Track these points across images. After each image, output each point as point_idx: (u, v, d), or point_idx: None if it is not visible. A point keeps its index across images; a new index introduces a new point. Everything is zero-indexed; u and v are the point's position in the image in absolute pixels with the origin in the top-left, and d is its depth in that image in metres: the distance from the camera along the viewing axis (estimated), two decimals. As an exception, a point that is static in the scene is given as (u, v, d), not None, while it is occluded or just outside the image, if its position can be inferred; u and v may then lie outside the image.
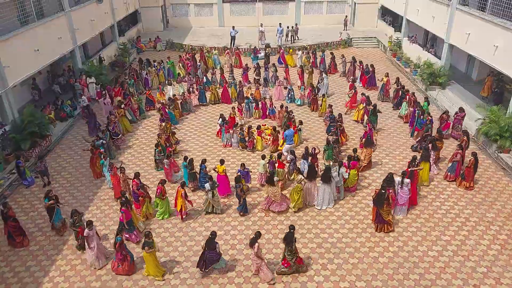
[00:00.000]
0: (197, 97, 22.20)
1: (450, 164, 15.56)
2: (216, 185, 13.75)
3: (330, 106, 19.63)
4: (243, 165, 14.59)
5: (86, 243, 11.56)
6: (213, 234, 11.16)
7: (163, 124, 18.30)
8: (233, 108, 19.61)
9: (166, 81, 23.84)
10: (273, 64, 25.36)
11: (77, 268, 11.79)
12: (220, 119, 18.55)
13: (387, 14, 34.84)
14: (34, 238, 12.99)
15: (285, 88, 23.00)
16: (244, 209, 13.80)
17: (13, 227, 12.34)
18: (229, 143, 18.14)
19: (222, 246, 12.46)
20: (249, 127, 18.11)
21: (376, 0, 35.06)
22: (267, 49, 27.77)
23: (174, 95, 21.65)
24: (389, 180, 13.38)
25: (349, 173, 14.45)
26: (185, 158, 15.24)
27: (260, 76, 24.24)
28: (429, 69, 23.68)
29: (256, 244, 10.77)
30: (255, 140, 17.78)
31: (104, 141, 16.72)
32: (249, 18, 36.41)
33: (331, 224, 13.40)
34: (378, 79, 24.16)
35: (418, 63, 26.03)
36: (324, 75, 23.55)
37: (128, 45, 31.31)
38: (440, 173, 15.95)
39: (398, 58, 28.99)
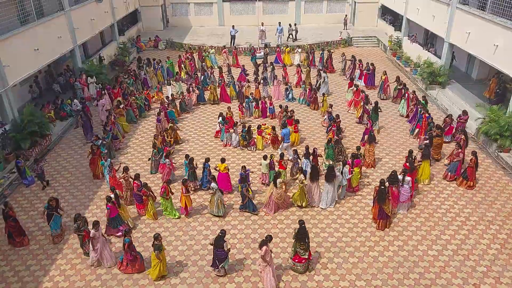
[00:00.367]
0: (197, 96, 22.20)
1: (450, 164, 15.56)
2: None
3: (331, 106, 19.63)
4: (244, 167, 14.24)
5: (91, 245, 11.41)
6: (223, 232, 11.08)
7: (163, 123, 18.28)
8: (229, 108, 19.57)
9: (165, 81, 23.80)
10: (271, 63, 25.41)
11: (77, 267, 11.80)
12: (220, 118, 18.56)
13: (387, 14, 34.81)
14: (34, 237, 12.99)
15: (285, 84, 22.98)
16: (253, 209, 13.81)
17: (13, 227, 12.34)
18: (229, 143, 18.14)
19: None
20: (249, 127, 18.11)
21: (376, -1, 35.08)
22: (265, 49, 27.77)
23: (172, 94, 21.65)
24: (393, 178, 13.47)
25: (353, 172, 14.48)
26: (187, 156, 15.26)
27: (258, 75, 24.27)
28: (429, 68, 23.68)
29: (264, 247, 10.50)
30: (255, 139, 17.78)
31: (105, 141, 16.71)
32: (249, 17, 36.40)
33: (331, 223, 13.41)
34: (377, 78, 24.19)
35: (418, 62, 26.02)
36: (324, 74, 23.55)
37: (128, 44, 31.31)
38: (440, 172, 15.94)
39: (398, 57, 28.98)
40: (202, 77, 24.18)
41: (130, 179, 14.18)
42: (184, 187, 13.39)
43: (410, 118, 19.65)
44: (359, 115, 20.01)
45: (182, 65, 26.15)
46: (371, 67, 24.34)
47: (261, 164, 15.38)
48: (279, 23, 30.89)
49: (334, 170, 13.86)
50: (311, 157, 15.24)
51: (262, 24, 30.59)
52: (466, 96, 21.70)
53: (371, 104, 19.57)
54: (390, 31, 32.69)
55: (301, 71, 24.62)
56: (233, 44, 30.97)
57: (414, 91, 20.96)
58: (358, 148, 15.57)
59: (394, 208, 13.77)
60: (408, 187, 13.48)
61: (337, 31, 33.54)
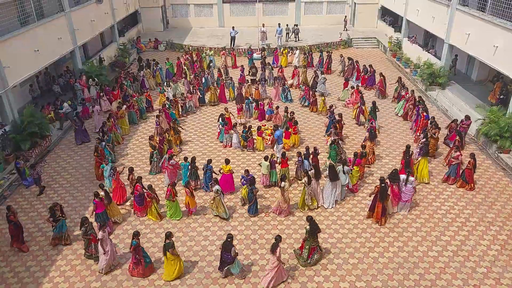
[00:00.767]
0: (198, 97, 22.22)
1: (449, 167, 15.48)
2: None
3: (331, 106, 19.66)
4: (247, 171, 14.12)
5: (101, 247, 11.27)
6: (230, 237, 11.02)
7: (162, 125, 18.22)
8: (226, 109, 19.57)
9: (165, 83, 23.79)
10: (269, 63, 25.45)
11: (77, 269, 11.79)
12: (220, 118, 18.56)
13: (387, 15, 34.85)
14: (34, 238, 12.98)
15: (282, 85, 23.07)
16: (255, 210, 13.79)
17: (12, 232, 12.25)
18: (229, 144, 18.13)
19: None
20: (249, 127, 18.12)
21: (376, 0, 35.09)
22: (263, 52, 27.88)
23: (174, 95, 21.65)
24: (393, 176, 13.55)
25: (351, 169, 14.54)
26: (185, 158, 15.23)
27: (255, 77, 24.31)
28: (429, 70, 23.70)
29: (278, 248, 10.65)
30: (255, 140, 17.79)
31: (108, 144, 16.73)
32: (249, 18, 36.42)
33: (331, 225, 13.40)
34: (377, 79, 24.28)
35: (418, 64, 26.04)
36: (321, 75, 23.64)
37: (128, 45, 31.33)
38: (440, 174, 15.93)
39: (398, 59, 29.02)
40: (203, 78, 24.19)
41: (135, 180, 14.13)
42: (188, 189, 13.45)
43: (413, 119, 19.57)
44: (355, 115, 20.14)
45: (184, 67, 26.14)
46: (369, 69, 24.39)
47: (259, 165, 15.37)
48: (279, 24, 30.93)
49: (335, 168, 13.92)
50: (311, 158, 15.25)
51: (263, 25, 30.65)
52: (466, 97, 21.70)
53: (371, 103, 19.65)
54: (390, 32, 32.72)
55: (299, 72, 24.71)
56: (233, 45, 31.01)
57: (412, 91, 20.97)
58: (363, 147, 15.78)
59: (394, 207, 13.83)
60: (411, 187, 13.54)
61: (337, 32, 33.60)
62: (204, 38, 34.02)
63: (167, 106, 20.09)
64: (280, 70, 24.75)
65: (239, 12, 37.09)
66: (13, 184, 15.71)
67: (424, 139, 16.25)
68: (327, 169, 14.21)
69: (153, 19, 36.06)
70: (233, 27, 31.10)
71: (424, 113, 18.29)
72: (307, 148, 15.63)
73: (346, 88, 22.54)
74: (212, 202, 13.60)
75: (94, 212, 12.78)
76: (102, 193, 13.19)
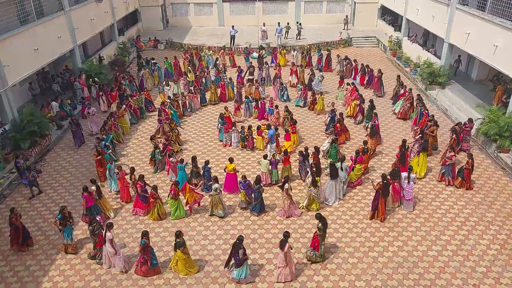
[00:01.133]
0: (199, 97, 22.22)
1: (443, 168, 15.49)
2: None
3: (333, 104, 19.68)
4: (244, 177, 13.86)
5: (110, 248, 11.19)
6: (240, 238, 11.01)
7: (164, 126, 18.17)
8: (225, 108, 19.58)
9: (164, 82, 23.74)
10: (266, 63, 25.54)
11: (77, 268, 11.78)
12: (220, 118, 18.55)
13: (387, 14, 34.84)
14: (34, 237, 12.94)
15: (280, 84, 23.13)
16: (260, 209, 13.77)
17: (12, 235, 12.17)
18: (229, 143, 18.13)
19: (222, 246, 12.49)
20: (249, 127, 18.11)
21: (376, -1, 35.11)
22: (260, 51, 27.88)
23: (175, 94, 21.64)
24: (394, 173, 13.70)
25: (354, 167, 14.66)
26: (181, 160, 15.18)
27: (253, 76, 24.35)
28: (429, 69, 23.69)
29: (287, 244, 10.72)
30: (254, 140, 17.78)
31: (106, 145, 16.69)
32: (249, 17, 36.40)
33: (331, 224, 13.39)
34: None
35: (418, 63, 26.02)
36: (319, 72, 23.68)
37: (128, 44, 31.31)
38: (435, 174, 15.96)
39: (398, 58, 29.00)
40: (203, 78, 24.15)
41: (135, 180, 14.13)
42: (189, 186, 13.50)
43: (413, 118, 19.61)
44: (354, 114, 20.23)
45: (183, 66, 26.10)
46: (367, 69, 24.42)
47: (259, 163, 15.34)
48: (279, 23, 30.90)
49: (335, 166, 14.01)
50: (311, 157, 15.26)
51: (264, 25, 30.64)
52: (466, 96, 21.70)
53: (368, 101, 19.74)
54: (390, 31, 32.70)
55: (298, 70, 24.80)
56: (233, 44, 30.99)
57: (410, 89, 20.98)
58: (365, 143, 15.91)
59: (395, 203, 13.93)
60: (413, 184, 13.70)
61: (337, 32, 33.57)
62: (204, 37, 33.99)
63: (168, 105, 20.06)
64: (278, 69, 24.75)
65: (239, 11, 37.05)
66: (13, 183, 15.70)
67: (420, 135, 16.35)
68: (328, 167, 14.26)
69: (153, 18, 36.02)
70: (233, 26, 31.07)
71: (426, 111, 18.38)
72: (306, 149, 15.62)
73: (341, 87, 22.74)
74: (209, 201, 13.63)
75: (85, 206, 13.00)
76: (93, 188, 13.40)
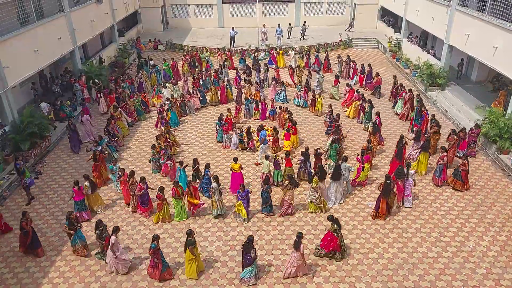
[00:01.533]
0: (199, 99, 22.24)
1: (436, 167, 15.58)
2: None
3: (330, 106, 19.72)
4: (242, 186, 13.56)
5: (111, 251, 11.12)
6: (250, 238, 11.01)
7: (163, 128, 18.18)
8: (228, 109, 19.60)
9: (161, 84, 23.68)
10: (265, 64, 25.54)
11: (76, 269, 11.77)
12: (218, 119, 18.55)
13: (387, 15, 34.88)
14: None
15: (282, 84, 23.14)
16: (270, 209, 13.77)
17: (21, 239, 12.04)
18: (229, 144, 18.13)
19: (222, 247, 12.48)
20: (249, 128, 18.10)
21: (376, 1, 35.12)
22: (255, 53, 27.91)
23: (172, 96, 21.63)
24: (399, 173, 13.81)
25: (363, 168, 14.82)
26: (181, 163, 15.18)
27: (250, 77, 24.39)
28: (429, 70, 23.70)
29: (302, 245, 10.83)
30: (255, 141, 17.78)
31: (107, 142, 16.67)
32: (249, 18, 36.44)
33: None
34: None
35: (418, 64, 26.04)
36: (318, 74, 23.73)
37: (128, 45, 31.33)
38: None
39: (397, 59, 29.02)
40: (201, 80, 24.12)
41: (136, 182, 14.06)
42: (187, 189, 13.44)
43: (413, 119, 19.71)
44: (351, 114, 20.37)
45: (182, 68, 26.09)
46: (367, 68, 24.47)
47: (257, 162, 15.34)
48: (278, 24, 30.94)
49: (340, 168, 14.05)
50: (313, 160, 15.28)
51: (264, 26, 30.67)
52: (465, 97, 21.73)
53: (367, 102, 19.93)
54: (389, 32, 32.74)
55: (294, 71, 24.88)
56: (233, 45, 31.02)
57: (410, 89, 21.03)
58: (369, 141, 16.12)
59: (399, 202, 13.99)
60: (412, 180, 13.85)
61: (337, 33, 33.61)
62: (204, 38, 34.03)
63: (167, 106, 20.05)
64: (276, 70, 24.75)
65: (239, 12, 37.09)
66: (13, 184, 15.68)
67: (414, 137, 16.73)
68: (332, 168, 14.33)
69: (153, 20, 36.06)
70: (233, 28, 31.11)
71: (426, 112, 18.49)
72: (307, 149, 15.63)
73: (336, 85, 22.93)
74: (212, 202, 13.64)
75: (73, 200, 13.39)
76: (86, 183, 13.57)
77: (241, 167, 14.91)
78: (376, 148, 17.21)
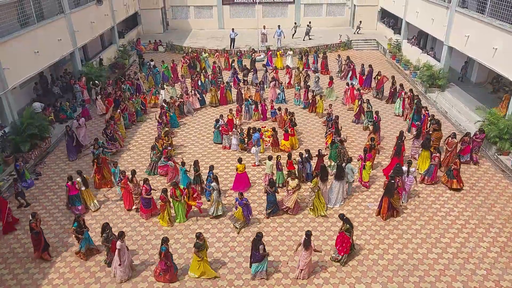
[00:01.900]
0: (198, 99, 22.24)
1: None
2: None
3: (330, 106, 19.76)
4: (241, 194, 13.23)
5: (117, 257, 10.99)
6: (259, 235, 11.05)
7: (166, 129, 18.14)
8: (230, 110, 19.62)
9: (159, 85, 23.64)
10: (263, 65, 25.53)
11: (76, 271, 11.76)
12: (220, 120, 18.55)
13: (387, 17, 34.93)
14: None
15: (280, 84, 23.16)
16: (276, 211, 13.77)
17: (34, 240, 11.90)
18: (227, 145, 18.13)
19: (222, 248, 12.47)
20: (249, 129, 18.12)
21: (376, 2, 35.16)
22: (252, 54, 27.95)
23: (172, 97, 21.63)
24: (397, 170, 13.95)
25: (364, 165, 14.91)
26: (183, 163, 15.19)
27: (247, 77, 24.39)
28: (429, 71, 23.72)
29: (312, 243, 10.93)
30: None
31: (105, 146, 16.66)
32: (249, 20, 36.49)
33: (331, 227, 13.39)
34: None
35: (418, 65, 26.07)
36: (316, 74, 23.79)
37: (128, 47, 31.35)
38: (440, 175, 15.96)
39: (397, 60, 29.04)
40: (199, 81, 24.11)
41: (139, 183, 14.09)
42: (187, 191, 13.43)
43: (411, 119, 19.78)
44: (355, 112, 20.46)
45: (181, 69, 26.08)
46: (367, 69, 24.50)
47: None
48: (279, 26, 30.98)
49: (343, 168, 14.11)
50: (314, 161, 15.29)
51: (264, 27, 30.71)
52: (465, 99, 21.74)
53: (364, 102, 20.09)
54: (389, 34, 32.77)
55: (292, 72, 24.93)
56: (233, 47, 31.05)
57: (411, 89, 21.07)
58: (372, 139, 16.27)
59: (400, 198, 14.05)
60: (412, 177, 14.05)
61: (337, 34, 33.66)
62: (204, 40, 34.07)
63: (165, 107, 20.04)
64: (275, 71, 24.76)
65: (239, 14, 37.14)
66: (13, 185, 15.63)
67: (416, 133, 16.99)
68: (335, 168, 14.36)
69: (153, 21, 36.11)
70: (232, 29, 31.16)
71: (427, 112, 18.57)
72: (307, 151, 15.63)
73: (330, 87, 23.01)
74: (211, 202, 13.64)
75: (67, 195, 13.73)
76: (78, 179, 13.75)
77: (245, 168, 15.00)
78: (378, 146, 17.39)
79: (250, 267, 11.32)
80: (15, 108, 18.08)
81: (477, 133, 16.76)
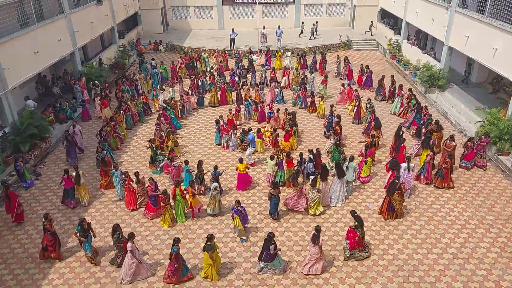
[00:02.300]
0: (196, 100, 22.23)
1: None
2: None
3: (332, 106, 19.74)
4: (238, 202, 12.79)
5: (130, 258, 10.94)
6: (270, 235, 11.08)
7: (170, 133, 18.05)
8: (230, 110, 19.62)
9: (158, 86, 23.63)
10: (262, 65, 25.55)
11: (76, 271, 11.76)
12: (220, 121, 18.55)
13: (387, 17, 34.94)
14: (33, 240, 12.96)
15: (278, 85, 23.17)
16: (275, 213, 13.76)
17: (48, 241, 11.82)
18: (225, 145, 18.13)
19: (222, 248, 12.46)
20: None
21: (376, 2, 35.17)
22: (250, 55, 27.97)
23: (172, 98, 21.61)
24: (394, 163, 14.23)
25: (366, 161, 15.09)
26: (186, 162, 15.21)
27: (246, 78, 24.41)
28: (428, 72, 23.72)
29: (321, 239, 11.05)
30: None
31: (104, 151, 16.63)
32: (249, 20, 36.52)
33: (331, 227, 13.39)
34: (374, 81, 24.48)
35: (418, 66, 26.07)
36: (311, 75, 23.85)
37: (128, 47, 31.36)
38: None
39: (397, 61, 29.04)
40: (199, 81, 24.10)
41: (144, 184, 14.13)
42: (192, 190, 13.45)
43: (407, 118, 19.99)
44: (353, 113, 20.50)
45: (178, 70, 26.07)
46: (366, 69, 24.52)
47: (264, 162, 15.35)
48: (279, 26, 30.99)
49: (342, 166, 14.17)
50: (314, 160, 15.33)
51: (264, 28, 30.71)
52: (465, 99, 21.74)
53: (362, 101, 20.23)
54: (389, 34, 32.78)
55: (289, 73, 25.00)
56: (233, 47, 31.05)
57: (410, 89, 21.09)
58: (373, 136, 16.47)
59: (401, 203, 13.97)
60: (412, 173, 14.24)
61: (337, 34, 33.67)
62: (204, 40, 34.07)
63: (166, 108, 20.03)
64: (272, 72, 24.76)
65: (239, 14, 37.15)
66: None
67: (416, 132, 17.22)
68: (334, 167, 14.40)
69: (153, 21, 36.13)
70: (232, 29, 31.17)
71: (426, 111, 18.66)
72: (311, 151, 15.61)
73: (324, 85, 22.98)
74: (210, 201, 13.69)
75: (63, 187, 14.07)
76: (73, 173, 14.03)
77: (247, 167, 15.05)
78: (379, 142, 17.62)
79: (258, 261, 11.41)
80: (15, 108, 18.08)
81: (482, 137, 16.45)
